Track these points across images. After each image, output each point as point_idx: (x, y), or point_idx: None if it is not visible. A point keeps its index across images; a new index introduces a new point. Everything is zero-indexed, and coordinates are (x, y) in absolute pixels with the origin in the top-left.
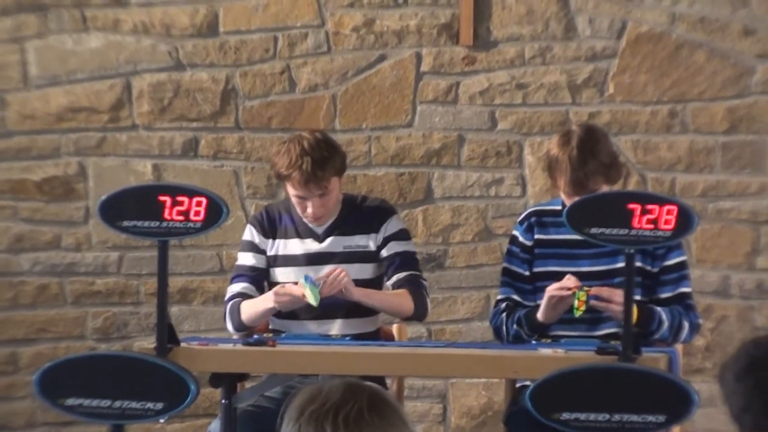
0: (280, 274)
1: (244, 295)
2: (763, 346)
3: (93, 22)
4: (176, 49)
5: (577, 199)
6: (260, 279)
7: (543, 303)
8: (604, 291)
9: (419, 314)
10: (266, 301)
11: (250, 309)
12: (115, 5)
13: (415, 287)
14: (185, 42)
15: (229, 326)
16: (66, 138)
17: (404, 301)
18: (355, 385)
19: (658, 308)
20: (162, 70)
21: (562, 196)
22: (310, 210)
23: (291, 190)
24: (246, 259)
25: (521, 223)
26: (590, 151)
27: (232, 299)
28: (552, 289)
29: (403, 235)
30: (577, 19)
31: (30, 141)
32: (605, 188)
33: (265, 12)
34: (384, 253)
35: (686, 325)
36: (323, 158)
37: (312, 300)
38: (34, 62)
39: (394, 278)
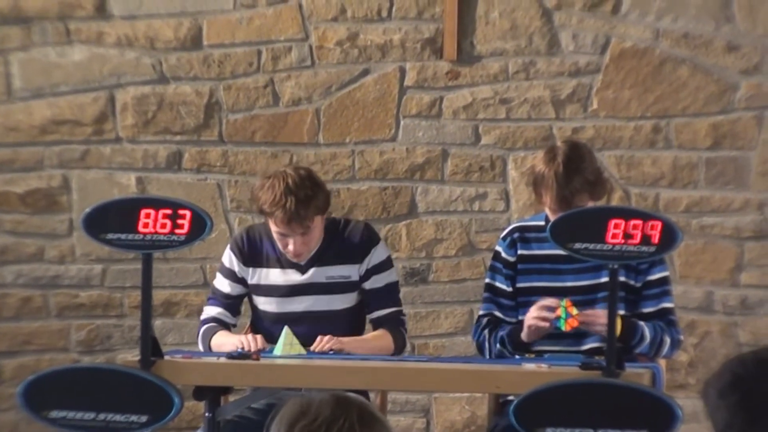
0: (262, 303)
1: (218, 321)
2: (747, 363)
3: (77, 35)
4: (160, 62)
5: (560, 211)
6: (236, 305)
7: (524, 329)
8: (588, 315)
9: (398, 352)
10: (235, 343)
11: (219, 345)
12: (99, 18)
13: (395, 326)
14: (169, 55)
15: (200, 346)
16: (49, 150)
17: (386, 343)
18: (344, 399)
19: (641, 322)
20: (146, 83)
21: (547, 212)
22: (291, 248)
23: (273, 227)
24: (222, 285)
25: (504, 238)
26: (576, 168)
27: (206, 323)
28: (531, 318)
29: (386, 265)
30: (560, 35)
31: (13, 153)
32: (590, 204)
33: (249, 25)
34: (366, 286)
35: (668, 340)
36: (307, 197)
37: (298, 350)
38: (17, 74)
39: (375, 315)
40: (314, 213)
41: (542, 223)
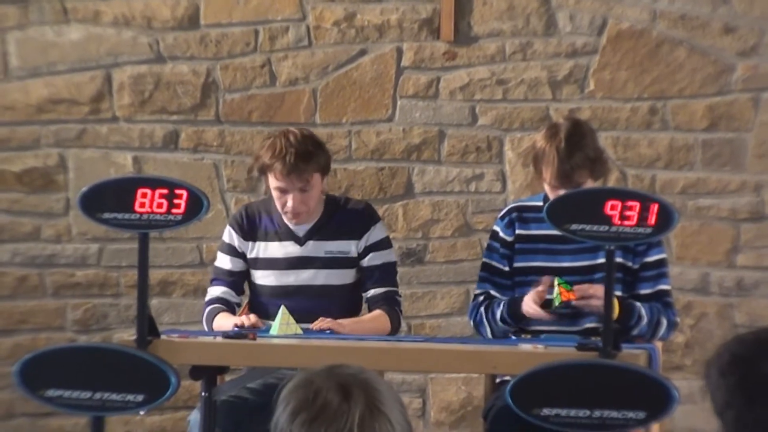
0: (261, 276)
1: (222, 301)
2: (747, 343)
3: (74, 14)
4: (157, 42)
5: (562, 192)
6: (239, 282)
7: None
8: (584, 288)
9: (394, 332)
10: (235, 323)
11: (219, 326)
12: None
13: (391, 305)
14: (166, 34)
15: (204, 327)
16: (46, 129)
17: (383, 325)
18: (351, 387)
19: (638, 304)
20: (143, 62)
21: (547, 189)
22: (290, 204)
23: (273, 182)
24: (224, 261)
25: (502, 218)
26: (577, 144)
27: (211, 304)
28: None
29: (384, 244)
30: (557, 15)
31: (10, 132)
32: (590, 183)
33: (246, 5)
34: (364, 263)
35: (664, 322)
36: (307, 152)
37: (294, 330)
38: (14, 53)
39: (371, 293)
40: (314, 169)
41: (540, 203)
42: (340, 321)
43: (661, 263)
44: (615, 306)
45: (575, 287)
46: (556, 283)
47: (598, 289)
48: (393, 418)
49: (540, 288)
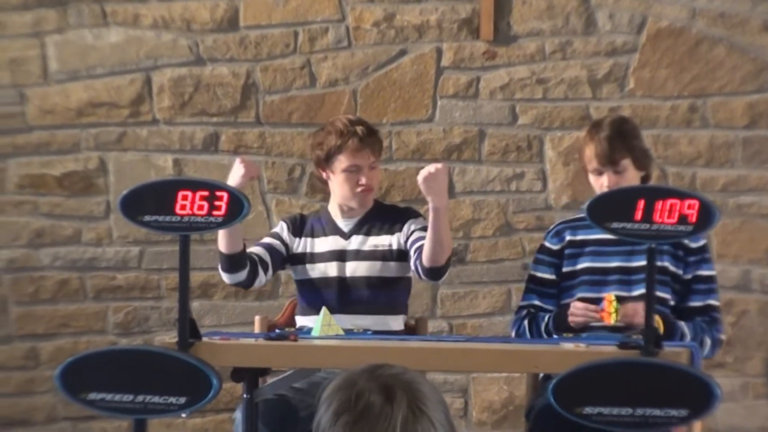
0: (306, 270)
1: (252, 253)
2: None
3: (113, 17)
4: (196, 44)
5: (605, 179)
6: (274, 255)
7: (569, 316)
8: (628, 307)
9: (448, 265)
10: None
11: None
12: (135, 0)
13: None
14: (206, 36)
15: (224, 277)
16: (86, 133)
17: (450, 244)
18: (394, 389)
19: (681, 323)
20: (182, 64)
21: (591, 180)
22: (363, 180)
23: (344, 163)
24: (266, 239)
25: (549, 232)
26: (621, 130)
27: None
28: (575, 319)
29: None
30: (597, 14)
31: (50, 136)
32: (632, 171)
33: (285, 6)
34: (410, 240)
35: (708, 341)
36: (371, 128)
37: (336, 330)
38: (54, 57)
39: (419, 243)
40: (379, 146)
41: (584, 215)
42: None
43: (712, 279)
44: (658, 322)
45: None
46: (613, 300)
47: (639, 307)
48: (436, 419)
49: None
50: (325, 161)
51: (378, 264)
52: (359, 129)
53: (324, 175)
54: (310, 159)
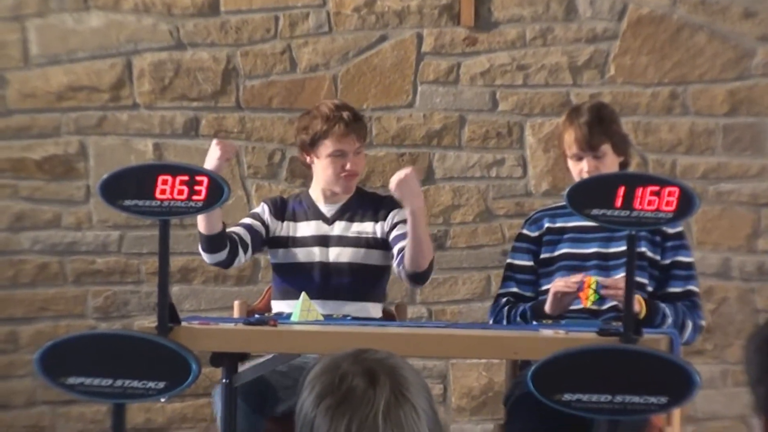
0: (287, 254)
1: (232, 231)
2: None
3: (94, 1)
4: (177, 29)
5: (585, 165)
6: (253, 235)
7: (549, 297)
8: (609, 281)
9: (430, 270)
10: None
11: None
12: None
13: None
14: (186, 21)
15: (204, 257)
16: (66, 117)
17: (431, 247)
18: (377, 373)
19: (663, 304)
20: (163, 49)
21: (570, 165)
22: (349, 165)
23: (329, 148)
24: (248, 220)
25: (527, 220)
26: (600, 116)
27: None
28: (557, 286)
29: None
30: (578, 1)
31: (30, 120)
32: (612, 156)
33: None
34: (391, 235)
35: (689, 324)
36: (357, 113)
37: (315, 316)
38: (34, 41)
39: (400, 244)
40: (365, 132)
41: (564, 203)
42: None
43: (692, 266)
44: (640, 303)
45: (603, 283)
46: (592, 284)
47: (622, 281)
48: (419, 405)
49: (572, 279)
50: (310, 145)
51: (362, 251)
52: (345, 114)
53: (308, 159)
54: (293, 143)
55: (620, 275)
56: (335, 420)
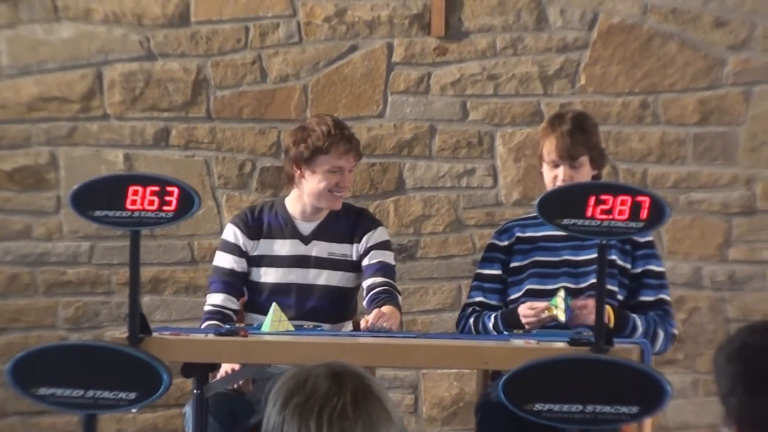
0: (263, 273)
1: (220, 314)
2: (758, 332)
3: (64, 12)
4: (147, 39)
5: (560, 172)
6: (238, 284)
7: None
8: (579, 303)
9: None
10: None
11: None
12: None
13: (394, 299)
14: (156, 32)
15: None
16: (37, 128)
17: (398, 317)
18: (342, 374)
19: (633, 315)
20: (133, 59)
21: (545, 171)
22: (342, 183)
23: (328, 163)
24: (225, 260)
25: (497, 231)
26: (582, 125)
27: (209, 317)
28: (526, 315)
29: (385, 245)
30: (548, 10)
31: (1, 130)
32: (588, 168)
33: (236, 2)
34: (365, 261)
35: (661, 333)
36: (352, 133)
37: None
38: (4, 51)
39: (370, 281)
40: (360, 151)
41: (536, 214)
42: (383, 311)
43: (663, 275)
44: (609, 314)
45: (572, 303)
46: (561, 296)
47: (590, 304)
48: (387, 402)
49: (537, 305)
50: (307, 159)
51: (338, 274)
52: (346, 132)
53: (299, 172)
54: (264, 153)
55: (589, 283)
56: (304, 416)
